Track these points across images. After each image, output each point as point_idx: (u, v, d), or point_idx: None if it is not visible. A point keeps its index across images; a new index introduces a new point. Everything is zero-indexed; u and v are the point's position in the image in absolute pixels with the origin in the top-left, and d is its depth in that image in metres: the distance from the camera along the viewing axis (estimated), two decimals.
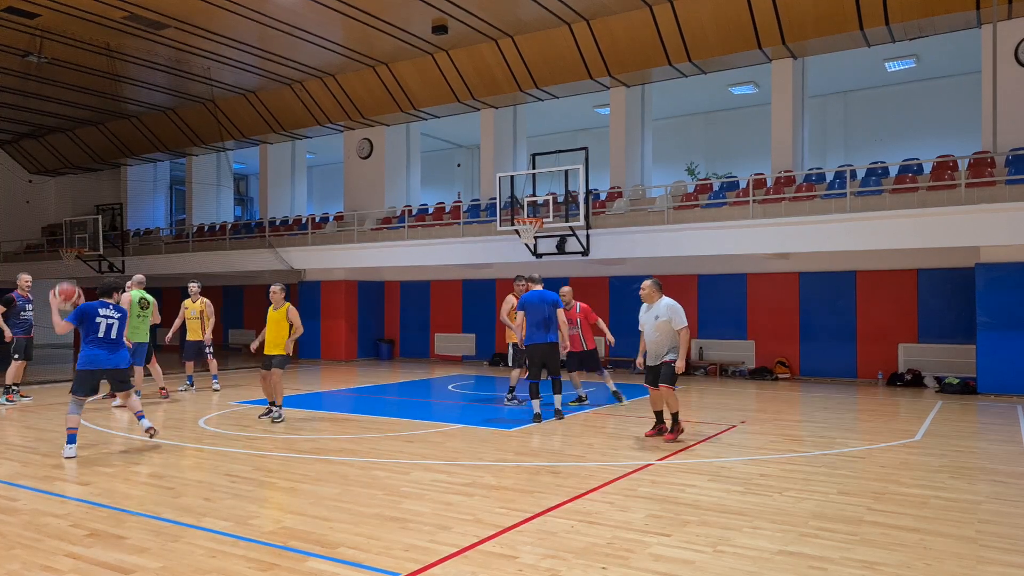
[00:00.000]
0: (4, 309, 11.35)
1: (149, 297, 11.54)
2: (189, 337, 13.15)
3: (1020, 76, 13.43)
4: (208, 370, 13.77)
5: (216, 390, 13.08)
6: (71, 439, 7.46)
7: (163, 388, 11.97)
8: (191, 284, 13.37)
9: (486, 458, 7.37)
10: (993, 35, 13.49)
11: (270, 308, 9.74)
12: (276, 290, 9.72)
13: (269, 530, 4.98)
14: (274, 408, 9.70)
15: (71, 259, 22.57)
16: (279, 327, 9.62)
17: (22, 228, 28.15)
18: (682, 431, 8.29)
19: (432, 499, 5.79)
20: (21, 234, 27.93)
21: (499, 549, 4.60)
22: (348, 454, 7.55)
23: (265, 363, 9.67)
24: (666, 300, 8.21)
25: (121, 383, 7.89)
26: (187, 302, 13.24)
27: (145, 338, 11.32)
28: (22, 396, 11.74)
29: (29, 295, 11.64)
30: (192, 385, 13.19)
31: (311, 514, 5.37)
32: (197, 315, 13.13)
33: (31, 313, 11.68)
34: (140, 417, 8.04)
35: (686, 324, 8.08)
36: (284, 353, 9.64)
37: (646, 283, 8.37)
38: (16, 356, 11.50)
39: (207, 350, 13.22)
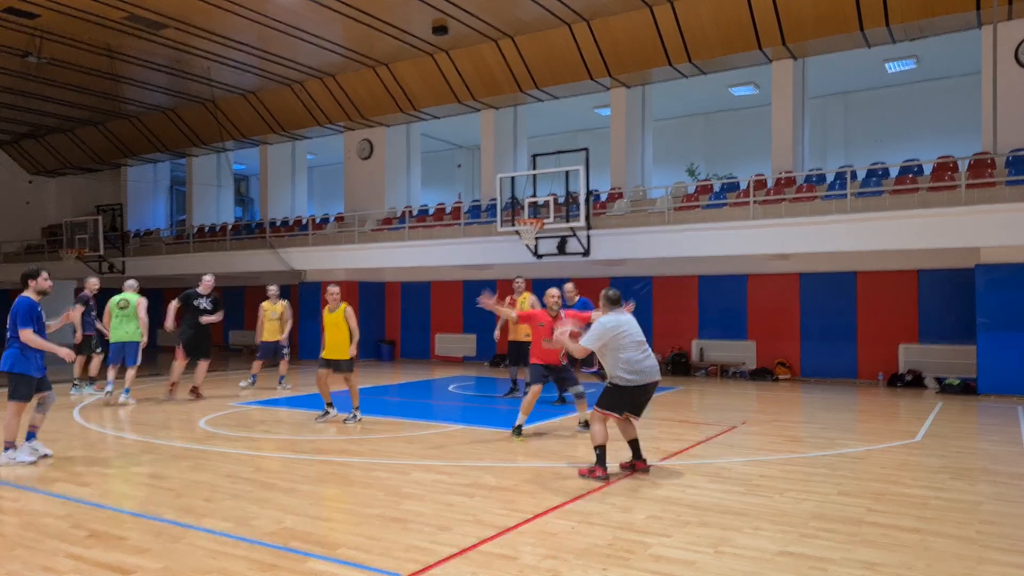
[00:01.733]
0: (83, 308, 12.39)
1: (129, 297, 11.68)
2: (266, 338, 13.37)
3: (1020, 77, 13.43)
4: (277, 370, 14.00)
5: (283, 388, 13.33)
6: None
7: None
8: (270, 287, 13.74)
9: (487, 459, 7.37)
10: (993, 36, 13.49)
11: (324, 310, 9.55)
12: (335, 292, 9.47)
13: (270, 531, 4.98)
14: (348, 411, 9.82)
15: (71, 260, 22.56)
16: (339, 329, 9.47)
17: (22, 229, 28.13)
18: (600, 474, 6.40)
19: (433, 500, 5.79)
20: (21, 235, 27.91)
21: (500, 550, 4.60)
22: (349, 455, 7.55)
23: (333, 366, 9.60)
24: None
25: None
26: (266, 304, 13.50)
27: (127, 337, 11.54)
28: (97, 389, 12.79)
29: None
30: (254, 383, 13.49)
31: (312, 515, 5.37)
32: (277, 317, 13.43)
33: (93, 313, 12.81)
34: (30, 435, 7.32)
35: (586, 345, 6.62)
36: (349, 357, 9.61)
37: (605, 292, 6.90)
38: (99, 350, 12.72)
39: (284, 351, 13.52)
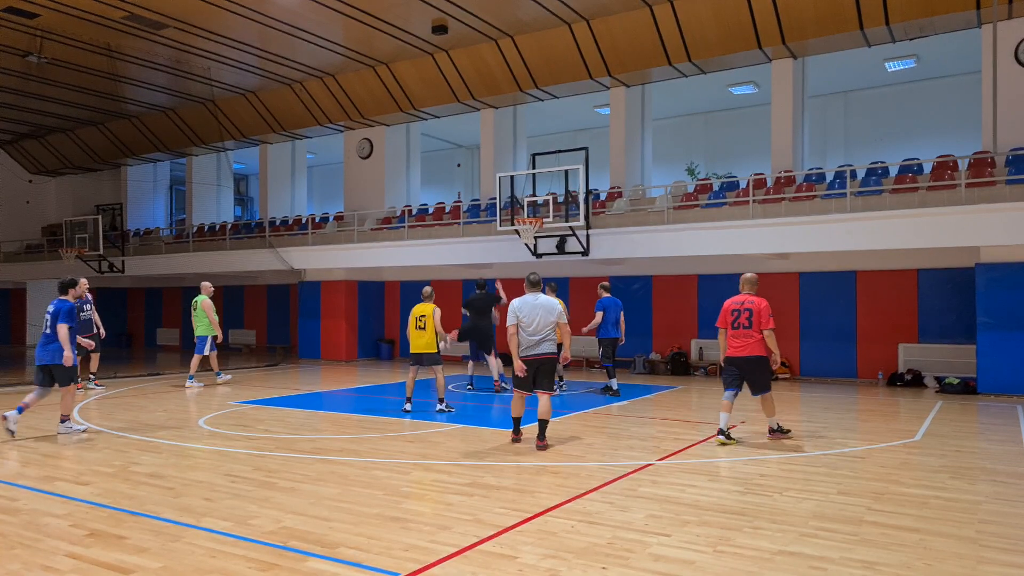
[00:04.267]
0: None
1: (197, 299, 13.96)
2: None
3: (1020, 76, 13.42)
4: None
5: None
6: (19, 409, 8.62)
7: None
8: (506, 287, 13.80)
9: (486, 458, 7.37)
10: (993, 35, 13.49)
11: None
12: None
13: (269, 530, 4.98)
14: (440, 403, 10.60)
15: (71, 259, 22.54)
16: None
17: (22, 228, 28.13)
18: (513, 438, 8.13)
19: (432, 499, 5.79)
20: (21, 234, 27.91)
21: (499, 549, 4.60)
22: (348, 454, 7.55)
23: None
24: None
25: (52, 378, 8.66)
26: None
27: (198, 332, 13.85)
28: (96, 384, 13.57)
29: (87, 296, 13.15)
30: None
31: (311, 514, 5.37)
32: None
33: (89, 313, 13.08)
34: (19, 408, 8.61)
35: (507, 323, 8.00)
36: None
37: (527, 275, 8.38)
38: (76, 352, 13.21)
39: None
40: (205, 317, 13.84)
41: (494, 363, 13.04)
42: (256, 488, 6.14)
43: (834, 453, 7.63)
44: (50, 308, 8.62)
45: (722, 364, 8.42)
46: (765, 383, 8.14)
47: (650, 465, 7.00)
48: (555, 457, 7.43)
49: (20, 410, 8.58)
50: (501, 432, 8.80)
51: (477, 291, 13.26)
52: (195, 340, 14.02)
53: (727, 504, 5.61)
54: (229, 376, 14.50)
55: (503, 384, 13.02)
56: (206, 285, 14.14)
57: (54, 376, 8.63)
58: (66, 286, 8.90)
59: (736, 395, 8.22)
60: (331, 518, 5.26)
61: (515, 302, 7.93)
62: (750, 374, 8.10)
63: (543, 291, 8.22)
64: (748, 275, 8.40)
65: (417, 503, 5.65)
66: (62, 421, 8.78)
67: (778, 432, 8.39)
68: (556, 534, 4.88)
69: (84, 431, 8.85)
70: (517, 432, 8.12)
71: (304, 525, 5.09)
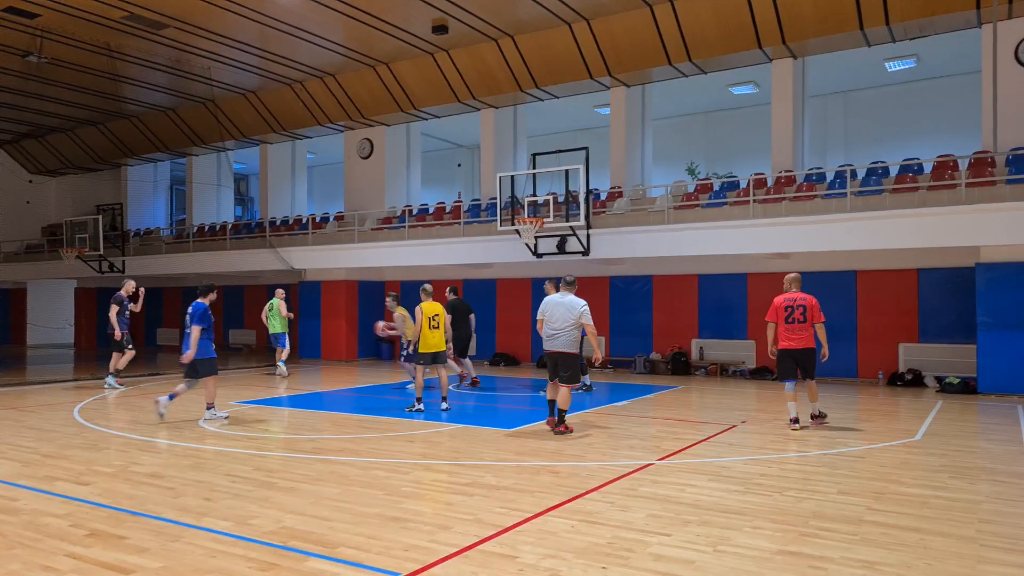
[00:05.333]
0: (118, 308, 13.50)
1: (273, 301, 15.50)
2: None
3: (1020, 76, 13.42)
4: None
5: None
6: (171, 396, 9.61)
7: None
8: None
9: (486, 458, 7.37)
10: (993, 35, 13.48)
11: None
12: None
13: (269, 530, 4.99)
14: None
15: (71, 259, 22.56)
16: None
17: (22, 228, 28.14)
18: (549, 424, 8.74)
19: (432, 499, 5.79)
20: (21, 234, 27.92)
21: (499, 549, 4.60)
22: (348, 454, 7.56)
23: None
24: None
25: (186, 371, 9.58)
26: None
27: (273, 330, 15.41)
28: (118, 384, 13.70)
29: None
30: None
31: (311, 514, 5.37)
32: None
33: (127, 312, 13.83)
34: (170, 396, 9.65)
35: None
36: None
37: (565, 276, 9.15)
38: (130, 347, 13.70)
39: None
40: (278, 315, 15.29)
41: (468, 363, 13.73)
42: (256, 488, 6.14)
43: (834, 453, 7.63)
44: (189, 309, 9.39)
45: (772, 356, 9.21)
46: (814, 371, 8.98)
47: (650, 465, 7.00)
48: (555, 457, 7.44)
49: (171, 397, 9.55)
50: (501, 431, 8.81)
51: (451, 296, 13.72)
52: (275, 337, 15.45)
53: (727, 504, 5.61)
54: (282, 372, 15.49)
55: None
56: (280, 291, 15.68)
57: (198, 370, 9.42)
58: (206, 290, 9.64)
59: (796, 384, 8.99)
60: (331, 518, 5.26)
61: (546, 299, 8.83)
62: (806, 362, 8.90)
63: (562, 290, 8.93)
64: (793, 274, 9.23)
65: (417, 503, 5.66)
66: (208, 408, 9.64)
67: (819, 417, 9.10)
68: (556, 534, 4.88)
69: (226, 417, 9.65)
70: (552, 414, 8.76)
71: (304, 525, 5.10)
